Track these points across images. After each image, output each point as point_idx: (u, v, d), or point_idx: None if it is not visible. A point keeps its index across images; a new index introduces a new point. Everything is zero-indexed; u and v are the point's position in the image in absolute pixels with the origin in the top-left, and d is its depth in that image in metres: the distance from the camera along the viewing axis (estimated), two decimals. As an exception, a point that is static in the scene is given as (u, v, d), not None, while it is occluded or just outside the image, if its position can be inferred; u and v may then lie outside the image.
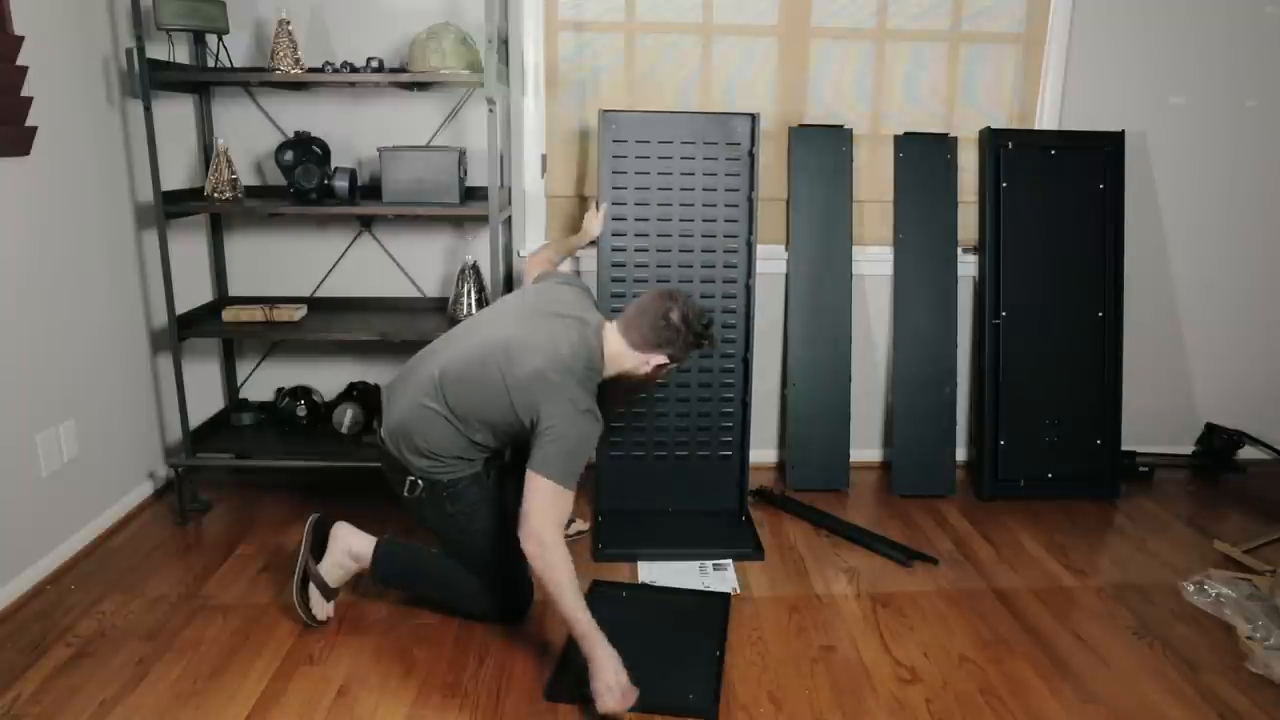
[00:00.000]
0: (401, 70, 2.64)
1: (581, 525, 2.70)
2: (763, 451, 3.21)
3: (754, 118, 2.75)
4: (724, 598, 2.33)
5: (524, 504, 1.91)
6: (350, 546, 2.21)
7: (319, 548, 2.23)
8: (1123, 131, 3.04)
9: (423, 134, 2.91)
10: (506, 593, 2.19)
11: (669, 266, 2.77)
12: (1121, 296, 3.06)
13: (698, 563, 2.52)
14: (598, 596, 2.31)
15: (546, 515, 1.90)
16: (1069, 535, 2.78)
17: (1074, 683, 2.03)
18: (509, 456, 2.38)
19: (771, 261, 3.03)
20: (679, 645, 2.11)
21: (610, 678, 1.81)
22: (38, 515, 2.40)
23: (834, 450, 3.08)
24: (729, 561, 2.53)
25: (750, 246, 2.78)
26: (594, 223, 2.73)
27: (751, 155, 2.76)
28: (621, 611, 2.25)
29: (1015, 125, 3.10)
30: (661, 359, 2.13)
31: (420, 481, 2.11)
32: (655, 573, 2.46)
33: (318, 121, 2.87)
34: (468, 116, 2.91)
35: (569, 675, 1.98)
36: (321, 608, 2.18)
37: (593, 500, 2.87)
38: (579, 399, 1.98)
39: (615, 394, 2.22)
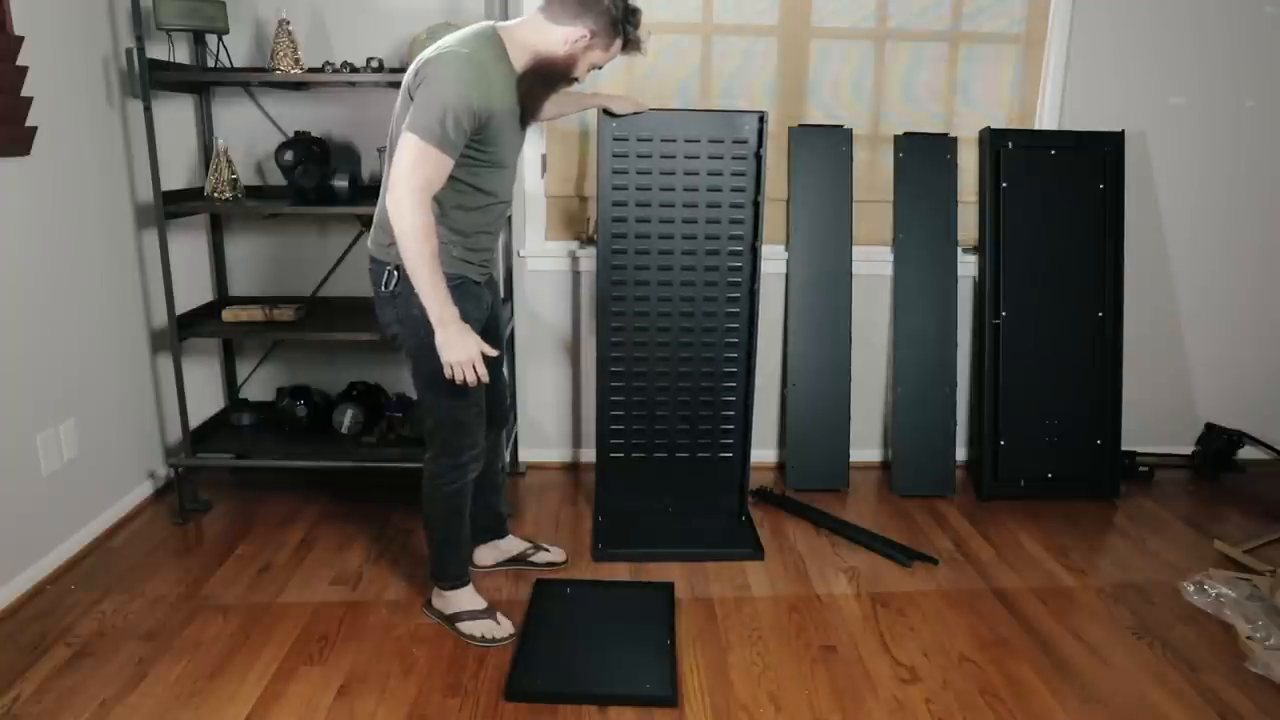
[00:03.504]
0: (401, 70, 2.63)
1: (554, 557, 2.52)
2: (763, 451, 3.21)
3: (762, 116, 2.69)
4: (667, 587, 2.36)
5: (393, 164, 1.84)
6: (462, 604, 2.21)
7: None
8: (1123, 131, 3.04)
9: (423, 134, 2.90)
10: (453, 432, 2.08)
11: (671, 269, 2.76)
12: (1121, 296, 3.06)
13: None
14: (542, 595, 2.33)
15: (411, 174, 1.80)
16: (1069, 535, 2.77)
17: (1074, 683, 2.03)
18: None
19: (771, 261, 3.03)
20: (629, 637, 2.15)
21: (467, 349, 1.85)
22: (38, 515, 2.40)
23: (834, 450, 3.08)
24: None
25: (755, 251, 2.73)
26: (622, 102, 2.59)
27: (758, 156, 2.71)
28: (567, 608, 2.28)
29: (1015, 125, 3.09)
30: (581, 33, 1.95)
31: (395, 272, 1.96)
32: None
33: (318, 121, 2.87)
34: (468, 116, 2.90)
35: (526, 671, 2.01)
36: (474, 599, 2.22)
37: (593, 500, 2.87)
38: (456, 63, 1.83)
39: (536, 90, 2.01)
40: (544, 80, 2.00)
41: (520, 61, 1.97)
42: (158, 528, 2.71)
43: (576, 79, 2.06)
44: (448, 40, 1.92)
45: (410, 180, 1.80)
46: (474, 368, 1.88)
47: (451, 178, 1.90)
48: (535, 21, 1.97)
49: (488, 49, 1.91)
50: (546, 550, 2.53)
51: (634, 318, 2.75)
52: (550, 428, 3.23)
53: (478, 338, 1.90)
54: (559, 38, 1.96)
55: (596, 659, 2.06)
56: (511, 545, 2.52)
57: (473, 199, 1.99)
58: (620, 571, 2.48)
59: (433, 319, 1.85)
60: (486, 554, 2.49)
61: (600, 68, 2.08)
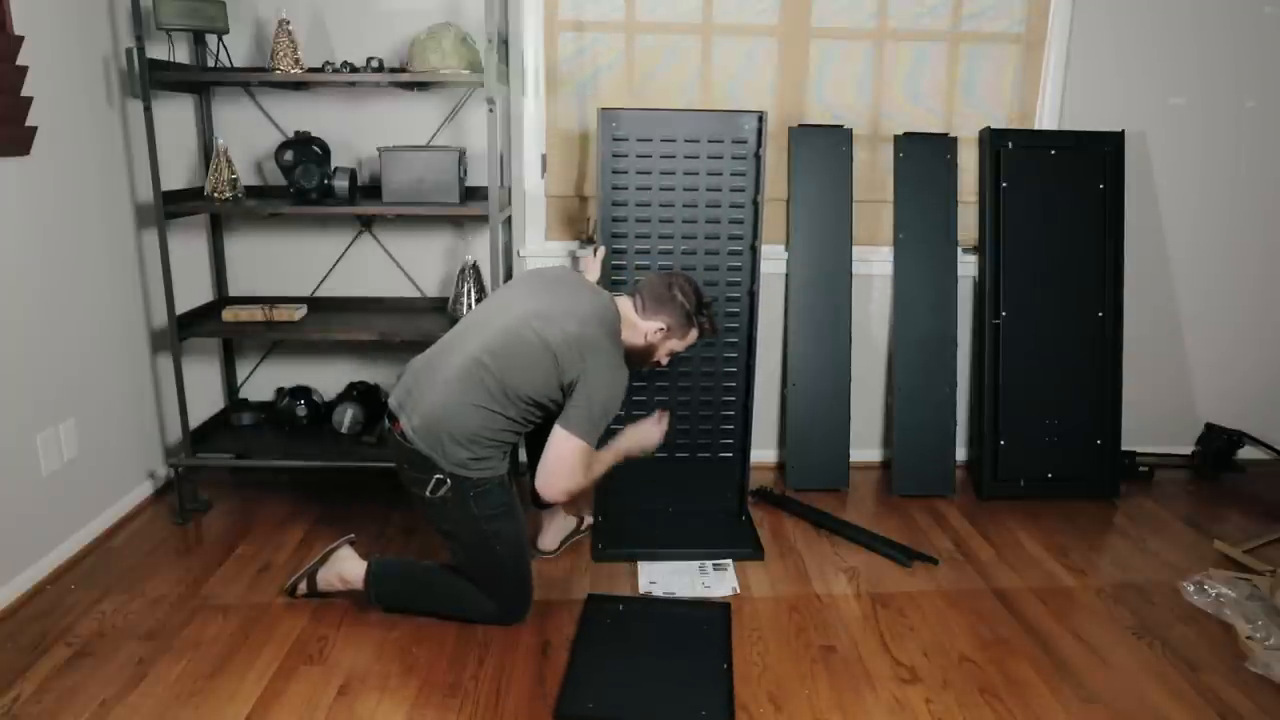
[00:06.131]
0: (401, 70, 2.64)
1: (588, 520, 2.71)
2: (763, 451, 3.21)
3: (761, 116, 2.70)
4: (724, 607, 2.29)
5: (548, 458, 2.03)
6: (343, 571, 2.25)
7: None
8: (1123, 131, 3.04)
9: (423, 134, 2.91)
10: (514, 597, 2.19)
11: (670, 269, 2.76)
12: (1121, 296, 3.06)
13: (697, 563, 2.52)
14: (593, 612, 2.26)
15: (572, 472, 2.03)
16: (1069, 535, 2.77)
17: (1074, 683, 2.03)
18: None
19: (771, 261, 3.03)
20: (684, 660, 2.07)
21: (645, 439, 2.25)
22: (38, 515, 2.40)
23: (834, 450, 3.08)
24: (729, 561, 2.53)
25: (755, 251, 2.74)
26: (593, 268, 2.64)
27: (758, 156, 2.71)
28: (620, 627, 2.20)
29: (1015, 125, 3.09)
30: (659, 324, 2.20)
31: (448, 480, 2.05)
32: (656, 573, 2.46)
33: (318, 121, 2.87)
34: (468, 116, 2.91)
35: (577, 691, 1.95)
36: (299, 589, 2.29)
37: (593, 500, 2.87)
38: (615, 358, 2.09)
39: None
40: (629, 362, 2.21)
41: (624, 336, 2.19)
42: (158, 528, 2.71)
43: (658, 363, 2.32)
44: (602, 325, 2.10)
45: (577, 478, 2.04)
46: (660, 422, 2.30)
47: (513, 420, 2.08)
48: (628, 310, 2.22)
49: (619, 341, 2.16)
50: (587, 517, 2.73)
51: (634, 318, 2.76)
52: (550, 428, 3.23)
53: (639, 428, 2.28)
54: (642, 330, 2.21)
55: (649, 684, 1.98)
56: (569, 521, 2.64)
57: (525, 427, 2.16)
58: (619, 572, 2.48)
59: (620, 459, 2.22)
60: (551, 535, 2.58)
61: (680, 352, 2.32)
